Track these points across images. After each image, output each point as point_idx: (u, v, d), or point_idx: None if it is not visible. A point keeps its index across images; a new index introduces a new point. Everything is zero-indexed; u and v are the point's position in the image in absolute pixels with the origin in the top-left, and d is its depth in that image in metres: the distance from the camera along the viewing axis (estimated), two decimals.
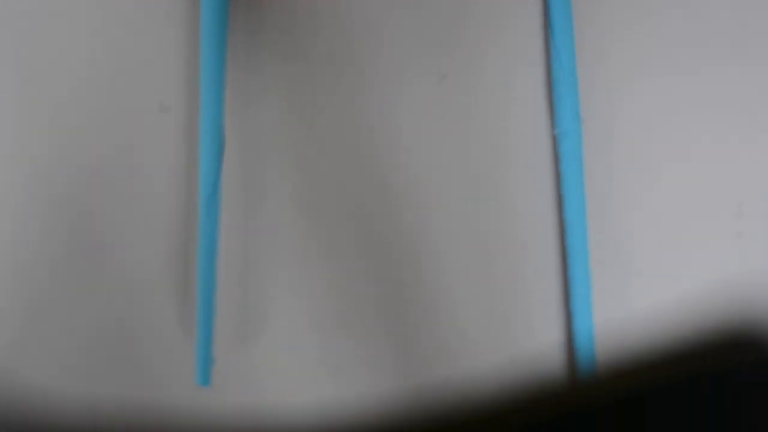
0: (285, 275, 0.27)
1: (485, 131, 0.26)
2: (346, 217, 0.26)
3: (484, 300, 0.26)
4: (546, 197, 0.26)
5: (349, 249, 0.26)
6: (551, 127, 0.26)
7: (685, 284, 0.26)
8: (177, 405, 0.27)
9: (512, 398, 0.10)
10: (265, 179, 0.27)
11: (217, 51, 0.25)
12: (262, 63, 0.27)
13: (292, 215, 0.26)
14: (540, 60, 0.26)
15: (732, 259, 0.26)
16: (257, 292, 0.27)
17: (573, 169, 0.26)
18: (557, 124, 0.26)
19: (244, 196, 0.27)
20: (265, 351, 0.27)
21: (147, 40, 0.27)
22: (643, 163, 0.26)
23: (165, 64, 0.26)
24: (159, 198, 0.26)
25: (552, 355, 0.26)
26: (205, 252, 0.25)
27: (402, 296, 0.26)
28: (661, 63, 0.26)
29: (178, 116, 0.26)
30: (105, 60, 0.27)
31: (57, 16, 0.27)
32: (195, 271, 0.26)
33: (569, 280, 0.25)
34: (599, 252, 0.26)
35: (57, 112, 0.26)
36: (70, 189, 0.27)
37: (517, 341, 0.26)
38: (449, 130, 0.26)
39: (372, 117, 0.26)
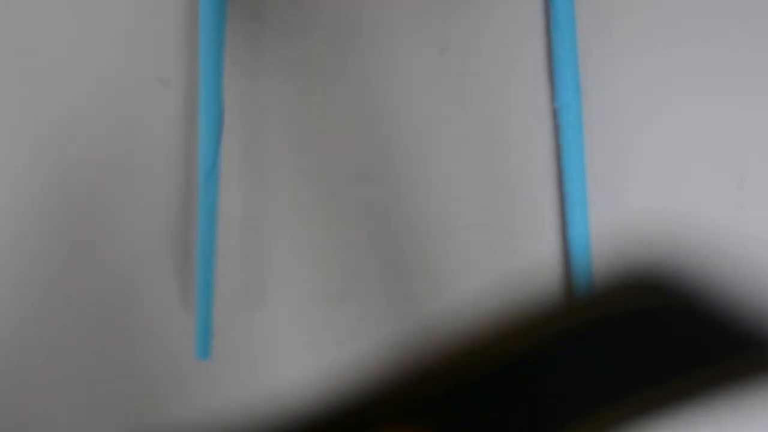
0: (285, 247, 0.27)
1: (485, 103, 0.26)
2: (347, 187, 0.26)
3: (487, 270, 0.26)
4: (546, 170, 0.26)
5: (350, 219, 0.26)
6: (551, 100, 0.26)
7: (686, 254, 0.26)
8: (177, 378, 0.27)
9: (507, 322, 0.10)
10: (265, 151, 0.27)
11: (217, 23, 0.25)
12: (262, 35, 0.27)
13: (293, 187, 0.26)
14: (541, 32, 0.26)
15: (733, 231, 0.26)
16: (257, 265, 0.27)
17: (573, 142, 0.26)
18: (557, 97, 0.26)
19: (244, 169, 0.27)
20: (266, 323, 0.27)
21: (146, 13, 0.26)
22: (644, 135, 0.26)
23: (164, 36, 0.26)
24: (158, 171, 0.26)
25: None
26: (204, 224, 0.25)
27: (406, 266, 0.26)
28: (662, 34, 0.26)
29: (177, 89, 0.26)
30: (103, 33, 0.26)
31: None
32: (195, 244, 0.26)
33: (570, 252, 0.25)
34: (600, 226, 0.26)
35: (55, 86, 0.26)
36: (69, 162, 0.27)
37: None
38: (450, 101, 0.26)
39: (373, 87, 0.26)
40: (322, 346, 0.27)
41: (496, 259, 0.26)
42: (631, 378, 0.11)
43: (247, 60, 0.26)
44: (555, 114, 0.26)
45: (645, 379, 0.11)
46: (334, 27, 0.26)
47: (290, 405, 0.11)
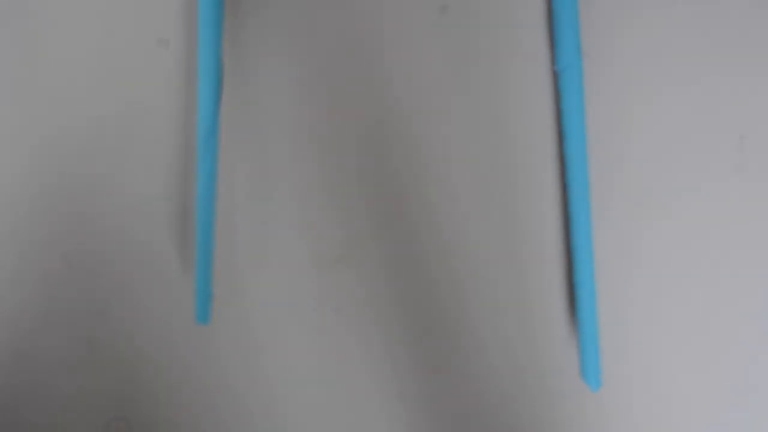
0: (285, 211, 0.26)
1: (485, 65, 0.26)
2: (346, 152, 0.26)
3: (485, 236, 0.26)
4: (547, 133, 0.26)
5: (349, 185, 0.26)
6: (552, 63, 0.26)
7: (686, 216, 0.26)
8: (176, 342, 0.27)
9: None
10: (264, 114, 0.26)
11: None
12: None
13: (292, 151, 0.26)
14: None
15: (733, 192, 0.26)
16: (257, 229, 0.26)
17: (574, 105, 0.25)
18: (558, 60, 0.25)
19: (243, 132, 0.26)
20: (265, 288, 0.27)
21: None
22: (644, 98, 0.26)
23: None
24: (157, 133, 0.26)
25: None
26: (203, 188, 0.25)
27: (404, 231, 0.26)
28: None
29: (176, 50, 0.26)
30: None
31: None
32: (194, 208, 0.26)
33: (570, 214, 0.25)
34: (600, 187, 0.26)
35: (53, 47, 0.26)
36: (67, 123, 0.26)
37: (515, 279, 0.26)
38: (449, 62, 0.26)
39: (372, 49, 0.26)
40: (321, 310, 0.27)
41: (493, 221, 0.26)
42: None
43: (246, 20, 0.26)
44: (555, 77, 0.26)
45: None
46: None
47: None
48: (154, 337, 0.27)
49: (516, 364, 0.26)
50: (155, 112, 0.26)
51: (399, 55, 0.26)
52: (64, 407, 0.27)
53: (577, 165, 0.25)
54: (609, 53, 0.26)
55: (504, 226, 0.26)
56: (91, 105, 0.26)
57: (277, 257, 0.26)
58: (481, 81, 0.26)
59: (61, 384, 0.27)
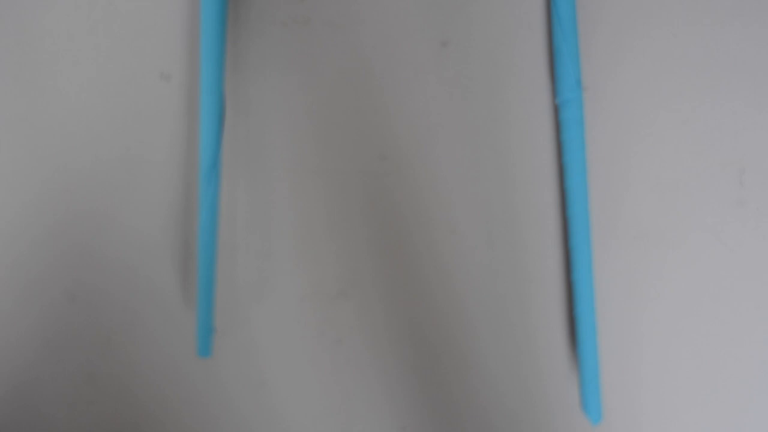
0: (286, 244, 0.26)
1: (486, 98, 0.26)
2: (347, 186, 0.26)
3: (486, 268, 0.26)
4: (548, 165, 0.26)
5: (350, 219, 0.26)
6: (553, 96, 0.26)
7: (687, 250, 0.26)
8: (178, 375, 0.27)
9: None
10: (266, 147, 0.26)
11: (218, 18, 0.25)
12: (264, 30, 0.26)
13: (293, 185, 0.26)
14: (541, 28, 0.26)
15: (733, 226, 0.26)
16: (258, 262, 0.27)
17: (574, 138, 0.25)
18: (559, 93, 0.26)
19: (244, 165, 0.26)
20: (266, 321, 0.27)
21: (147, 8, 0.26)
22: (644, 131, 0.26)
23: (165, 31, 0.26)
24: (159, 167, 0.26)
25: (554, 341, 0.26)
26: (205, 222, 0.25)
27: (404, 266, 0.26)
28: (662, 30, 0.26)
29: (178, 85, 0.26)
30: (105, 28, 0.26)
31: None
32: (196, 241, 0.26)
33: (571, 247, 0.25)
34: (601, 220, 0.26)
35: (57, 81, 0.26)
36: (70, 157, 0.26)
37: (516, 311, 0.26)
38: (450, 96, 0.26)
39: (373, 83, 0.26)
40: (321, 343, 0.27)
41: (495, 255, 0.26)
42: None
43: (249, 55, 0.26)
44: (556, 110, 0.26)
45: None
46: (336, 21, 0.26)
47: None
48: (156, 370, 0.27)
49: (518, 396, 0.26)
50: (157, 146, 0.26)
51: (401, 90, 0.26)
52: None
53: (577, 198, 0.25)
54: (609, 87, 0.26)
55: (505, 259, 0.26)
56: (93, 139, 0.26)
57: (278, 290, 0.27)
58: (482, 114, 0.26)
59: (62, 417, 0.27)
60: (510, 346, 0.26)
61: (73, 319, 0.26)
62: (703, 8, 0.26)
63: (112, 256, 0.26)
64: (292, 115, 0.26)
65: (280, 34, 0.26)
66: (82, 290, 0.26)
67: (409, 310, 0.26)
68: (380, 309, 0.26)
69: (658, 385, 0.26)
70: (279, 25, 0.26)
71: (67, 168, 0.26)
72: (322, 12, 0.26)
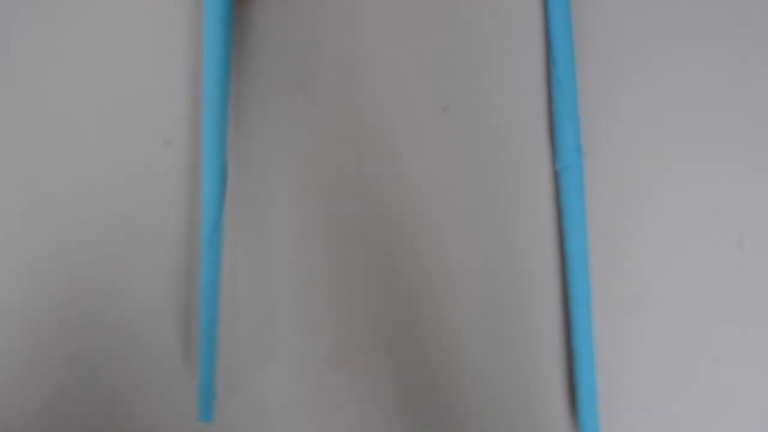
0: (288, 309, 0.26)
1: (486, 164, 0.26)
2: (350, 251, 0.26)
3: (489, 336, 0.26)
4: (548, 232, 0.26)
5: (354, 282, 0.26)
6: (552, 162, 0.26)
7: (687, 316, 0.26)
8: None
9: None
10: (267, 213, 0.27)
11: (220, 85, 0.25)
12: (264, 96, 0.27)
13: (295, 249, 0.26)
14: (541, 93, 0.27)
15: (733, 291, 0.26)
16: (260, 326, 0.27)
17: (574, 203, 0.26)
18: (559, 159, 0.26)
19: (246, 230, 0.27)
20: (268, 386, 0.27)
21: (150, 73, 0.27)
22: (644, 197, 0.26)
23: (167, 96, 0.26)
24: (161, 232, 0.26)
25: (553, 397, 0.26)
26: (206, 286, 0.25)
27: (409, 331, 0.26)
28: (662, 96, 0.27)
29: (180, 149, 0.26)
30: (107, 93, 0.27)
31: (59, 48, 0.27)
32: (197, 306, 0.26)
33: (571, 312, 0.25)
34: (601, 286, 0.26)
35: (59, 146, 0.26)
36: (72, 221, 0.26)
37: (519, 376, 0.26)
38: (450, 162, 0.26)
39: (374, 148, 0.26)
40: (324, 408, 0.27)
41: (499, 319, 0.26)
42: None
43: (250, 119, 0.27)
44: (556, 175, 0.26)
45: None
46: (337, 85, 0.27)
47: None
48: None
49: None
50: (159, 211, 0.26)
51: (401, 155, 0.26)
52: None
53: (577, 264, 0.25)
54: (609, 152, 0.26)
55: (504, 325, 0.26)
56: (95, 204, 0.26)
57: (279, 356, 0.27)
58: (481, 179, 0.26)
59: None
60: (511, 412, 0.26)
61: (74, 384, 0.26)
62: (705, 74, 0.27)
63: (113, 320, 0.26)
64: (293, 178, 0.27)
65: (281, 99, 0.27)
66: (83, 355, 0.26)
67: (413, 378, 0.26)
68: (383, 375, 0.26)
69: None
70: (280, 89, 0.27)
71: (69, 232, 0.26)
72: (323, 76, 0.27)
